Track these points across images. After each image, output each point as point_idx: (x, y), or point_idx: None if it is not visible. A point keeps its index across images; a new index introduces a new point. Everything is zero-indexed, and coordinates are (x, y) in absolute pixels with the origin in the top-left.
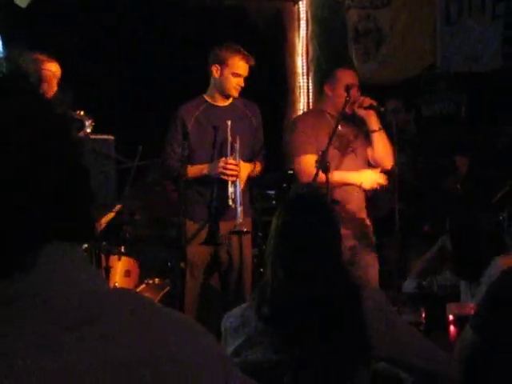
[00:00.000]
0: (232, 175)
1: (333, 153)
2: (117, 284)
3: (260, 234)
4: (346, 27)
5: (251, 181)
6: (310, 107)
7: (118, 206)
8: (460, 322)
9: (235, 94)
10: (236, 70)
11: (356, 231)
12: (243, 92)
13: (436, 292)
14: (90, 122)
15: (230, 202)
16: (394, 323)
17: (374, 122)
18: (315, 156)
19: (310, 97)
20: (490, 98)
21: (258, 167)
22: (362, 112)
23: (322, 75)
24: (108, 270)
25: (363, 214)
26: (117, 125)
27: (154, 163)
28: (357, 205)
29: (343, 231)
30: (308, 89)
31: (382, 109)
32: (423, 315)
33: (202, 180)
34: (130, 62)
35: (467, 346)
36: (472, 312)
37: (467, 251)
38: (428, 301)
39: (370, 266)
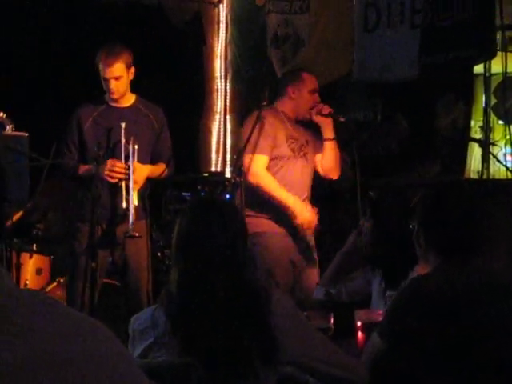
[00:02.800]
0: (116, 178)
1: (288, 154)
2: (28, 282)
3: (172, 235)
4: (265, 31)
5: (162, 182)
6: (227, 110)
7: (31, 204)
8: (368, 328)
9: (111, 95)
10: (102, 74)
11: (301, 245)
12: (158, 94)
13: (344, 300)
14: (11, 126)
15: (124, 205)
16: (302, 328)
17: (329, 131)
18: (267, 157)
19: (227, 100)
20: (404, 106)
21: (161, 168)
22: (319, 119)
23: (240, 79)
24: (19, 267)
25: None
26: (31, 122)
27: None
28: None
29: (289, 244)
30: (225, 92)
31: (342, 119)
32: (332, 321)
33: (95, 182)
34: (45, 58)
35: (374, 352)
36: (380, 319)
37: (386, 257)
38: (337, 307)
39: (308, 269)
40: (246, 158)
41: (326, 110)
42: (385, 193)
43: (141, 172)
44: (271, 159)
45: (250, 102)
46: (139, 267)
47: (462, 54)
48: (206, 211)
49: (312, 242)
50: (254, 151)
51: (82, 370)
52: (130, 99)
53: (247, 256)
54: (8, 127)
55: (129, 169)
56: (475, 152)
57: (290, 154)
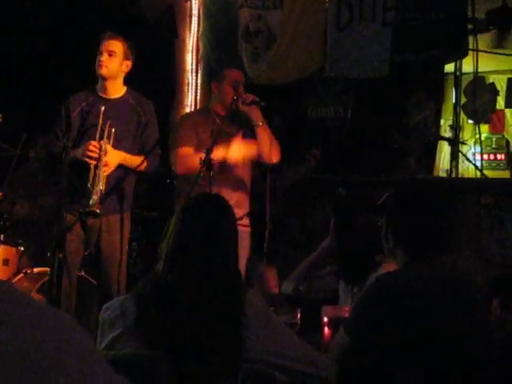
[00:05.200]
0: (92, 157)
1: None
2: None
3: (140, 228)
4: (237, 25)
5: (137, 176)
6: (198, 104)
7: None
8: (334, 324)
9: (100, 70)
10: (100, 49)
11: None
12: (128, 87)
13: (313, 297)
14: None
15: (89, 185)
16: (271, 326)
17: (257, 117)
18: (191, 149)
19: (198, 94)
20: (376, 103)
21: (138, 160)
22: (245, 108)
23: (211, 73)
24: None
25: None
26: (1, 110)
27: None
28: (238, 202)
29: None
30: (196, 86)
31: (263, 104)
32: (298, 316)
33: (77, 169)
34: (20, 46)
35: (340, 347)
36: (346, 315)
37: (350, 253)
38: (304, 303)
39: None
40: (171, 156)
41: (249, 98)
42: (352, 190)
43: (112, 156)
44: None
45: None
46: (111, 260)
47: (433, 53)
48: (202, 209)
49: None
50: (176, 146)
51: (48, 361)
52: (120, 91)
53: (235, 253)
54: None
55: (101, 149)
56: (444, 150)
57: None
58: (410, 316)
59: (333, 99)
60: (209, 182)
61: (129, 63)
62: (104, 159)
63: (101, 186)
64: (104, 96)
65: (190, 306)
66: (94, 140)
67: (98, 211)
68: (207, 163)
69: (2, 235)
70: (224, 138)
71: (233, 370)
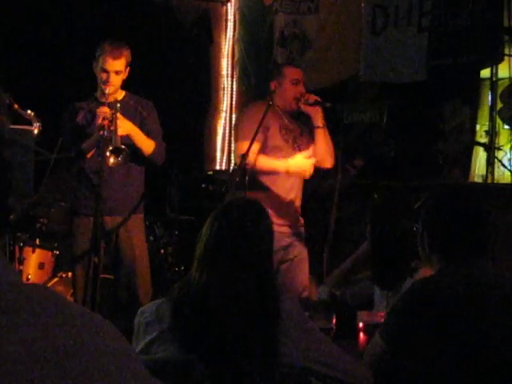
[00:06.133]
0: (105, 117)
1: (282, 144)
2: (30, 276)
3: (176, 232)
4: (272, 30)
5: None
6: (234, 109)
7: (35, 198)
8: (370, 329)
9: (106, 90)
10: (104, 66)
11: (291, 227)
12: (165, 93)
13: (349, 303)
14: (38, 124)
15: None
16: (307, 331)
17: (318, 118)
18: (258, 144)
19: (234, 98)
20: (411, 109)
21: (146, 139)
22: (307, 108)
23: (247, 77)
24: (22, 261)
25: (297, 204)
26: (38, 115)
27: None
28: (294, 195)
29: (279, 229)
30: (232, 90)
31: (328, 104)
32: (334, 321)
33: (87, 173)
34: (56, 55)
35: (375, 353)
36: (382, 320)
37: (386, 258)
38: (339, 308)
39: (302, 262)
40: (235, 149)
41: (312, 98)
42: (389, 195)
43: (124, 121)
44: (267, 149)
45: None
46: (132, 260)
47: (469, 59)
48: (240, 214)
49: (300, 220)
50: (237, 139)
51: (85, 363)
52: (119, 95)
53: (269, 257)
54: (35, 125)
55: (113, 115)
56: (480, 156)
57: (283, 144)
58: (446, 322)
59: (368, 104)
60: (243, 188)
61: (128, 69)
62: (117, 122)
63: (118, 144)
64: (105, 101)
65: (224, 310)
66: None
67: (123, 147)
68: (241, 169)
69: (37, 239)
70: (290, 136)
71: (268, 375)
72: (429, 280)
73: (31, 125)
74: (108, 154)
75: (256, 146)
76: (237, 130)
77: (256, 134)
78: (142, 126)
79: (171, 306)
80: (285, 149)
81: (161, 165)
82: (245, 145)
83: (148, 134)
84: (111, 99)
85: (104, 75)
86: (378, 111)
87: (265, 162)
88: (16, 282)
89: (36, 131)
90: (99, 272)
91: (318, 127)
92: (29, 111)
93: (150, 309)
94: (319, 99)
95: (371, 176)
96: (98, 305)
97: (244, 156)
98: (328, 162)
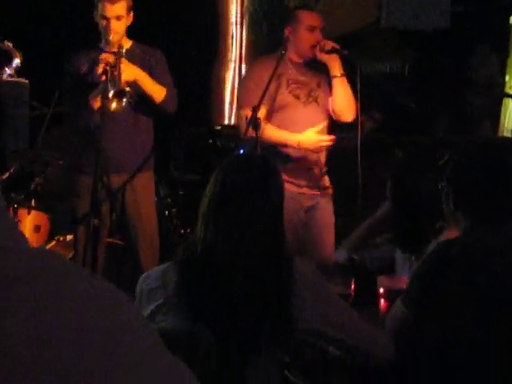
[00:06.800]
0: (103, 62)
1: (290, 100)
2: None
3: (181, 192)
4: None
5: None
6: (243, 59)
7: (30, 155)
8: (391, 295)
9: (109, 37)
10: (103, 13)
11: (314, 187)
12: (166, 39)
13: (368, 266)
14: (18, 57)
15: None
16: (323, 295)
17: (336, 67)
18: (265, 108)
19: (243, 48)
20: (436, 59)
21: (155, 84)
22: (323, 56)
23: (257, 25)
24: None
25: (321, 161)
26: (32, 68)
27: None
28: (316, 158)
29: (299, 190)
30: (241, 39)
31: (345, 52)
32: (353, 287)
33: (91, 127)
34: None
35: (397, 320)
36: (404, 286)
37: (408, 218)
38: (359, 272)
39: (326, 227)
40: (236, 117)
41: (329, 45)
42: (411, 151)
43: (128, 65)
44: (275, 109)
45: (266, 51)
46: (138, 223)
47: (496, 2)
48: (248, 169)
49: (327, 203)
50: (241, 106)
51: (103, 335)
52: (126, 44)
53: (280, 218)
54: (16, 59)
55: (116, 61)
56: (510, 109)
57: (292, 100)
58: (473, 283)
59: (388, 54)
60: (256, 144)
61: (132, 15)
62: (122, 66)
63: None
64: (108, 50)
65: (231, 270)
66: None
67: (127, 89)
68: (253, 122)
69: (32, 200)
70: (302, 90)
71: (281, 342)
72: (454, 241)
73: (11, 58)
74: (110, 97)
75: (262, 112)
76: (240, 95)
77: (264, 95)
78: (151, 76)
79: (176, 270)
80: (295, 105)
81: (173, 113)
82: (249, 113)
83: (157, 81)
84: (116, 48)
85: (104, 22)
86: (400, 61)
87: (272, 133)
88: (31, 251)
89: (15, 65)
90: (100, 235)
91: (336, 77)
92: (6, 42)
93: (155, 274)
94: (337, 46)
95: (391, 130)
96: (103, 271)
97: (255, 109)
98: (349, 115)
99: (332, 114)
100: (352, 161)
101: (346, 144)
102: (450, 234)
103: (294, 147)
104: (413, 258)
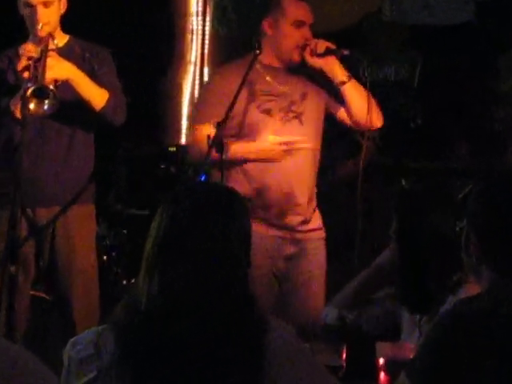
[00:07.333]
0: (30, 57)
1: (263, 120)
2: None
3: (124, 231)
4: None
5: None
6: (205, 60)
7: None
8: (393, 367)
9: (39, 29)
10: (28, 1)
11: (297, 229)
12: (110, 36)
13: (365, 329)
14: None
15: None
16: (304, 367)
17: (338, 72)
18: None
19: (206, 46)
20: (454, 61)
21: (95, 86)
22: (318, 62)
23: (224, 19)
24: None
25: (308, 194)
26: None
27: None
28: (300, 183)
29: (276, 232)
30: (203, 35)
31: (346, 52)
32: (344, 356)
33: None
34: None
35: None
36: (410, 356)
37: (418, 268)
38: (353, 337)
39: (314, 279)
40: (187, 136)
41: (322, 45)
42: (421, 181)
43: (60, 61)
44: (233, 134)
45: (237, 50)
46: (73, 269)
47: None
48: (205, 200)
49: (317, 249)
50: (194, 122)
51: None
52: (61, 40)
53: (244, 266)
54: None
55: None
56: None
57: (261, 117)
58: (499, 359)
59: (394, 55)
60: (220, 169)
61: (65, 1)
62: (48, 60)
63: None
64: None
65: (187, 338)
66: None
67: (50, 87)
68: (217, 143)
69: None
70: (281, 104)
71: None
72: (476, 299)
73: None
74: (28, 96)
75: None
76: (196, 110)
77: (230, 109)
78: (93, 78)
79: (114, 334)
80: (266, 124)
81: (119, 124)
82: (206, 129)
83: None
84: (51, 45)
85: (28, 10)
86: (407, 65)
87: (237, 149)
88: None
89: None
90: (21, 287)
91: (343, 83)
92: None
93: (86, 339)
94: (332, 45)
95: (395, 154)
96: (24, 335)
97: (220, 125)
98: (377, 121)
99: (353, 125)
100: (346, 193)
101: (340, 172)
102: (472, 289)
103: (252, 157)
104: (423, 319)
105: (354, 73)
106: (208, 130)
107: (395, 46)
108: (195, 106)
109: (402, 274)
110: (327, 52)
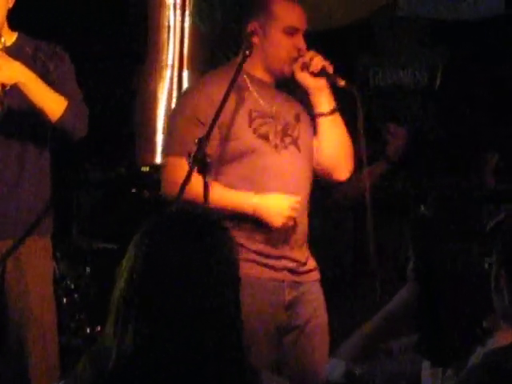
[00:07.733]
0: None
1: (260, 148)
2: None
3: (88, 269)
4: None
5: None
6: (184, 61)
7: None
8: None
9: None
10: None
11: (295, 271)
12: (72, 36)
13: None
14: None
15: None
16: None
17: (324, 100)
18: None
19: (185, 45)
20: (482, 65)
21: (49, 91)
22: (307, 80)
23: (205, 11)
24: None
25: (302, 232)
26: None
27: None
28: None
29: (274, 274)
30: (182, 32)
31: (342, 83)
32: None
33: None
34: None
35: None
36: None
37: (441, 312)
38: None
39: (318, 329)
40: (162, 165)
41: (318, 63)
42: (444, 208)
43: (7, 61)
44: (223, 163)
45: (222, 51)
46: (27, 315)
47: None
48: (184, 233)
49: (316, 292)
50: (168, 151)
51: None
52: (9, 38)
53: (238, 313)
54: None
55: None
56: None
57: (259, 143)
58: None
59: (410, 56)
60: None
61: None
62: None
63: None
64: None
65: None
66: None
67: None
68: (199, 160)
69: None
70: (275, 126)
71: None
72: (509, 350)
73: None
74: None
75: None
76: (170, 134)
77: (208, 134)
78: (48, 83)
79: None
80: (263, 152)
81: (78, 139)
82: (179, 163)
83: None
84: None
85: None
86: (427, 68)
87: (219, 195)
88: None
89: None
90: None
91: (322, 115)
92: None
93: None
94: (329, 68)
95: (412, 174)
96: None
97: (202, 142)
98: (343, 171)
99: (317, 167)
100: (351, 223)
101: (337, 195)
102: (504, 337)
103: (249, 214)
104: (446, 373)
105: (364, 80)
106: (186, 168)
107: (412, 45)
108: (169, 128)
109: (422, 320)
110: (321, 73)
